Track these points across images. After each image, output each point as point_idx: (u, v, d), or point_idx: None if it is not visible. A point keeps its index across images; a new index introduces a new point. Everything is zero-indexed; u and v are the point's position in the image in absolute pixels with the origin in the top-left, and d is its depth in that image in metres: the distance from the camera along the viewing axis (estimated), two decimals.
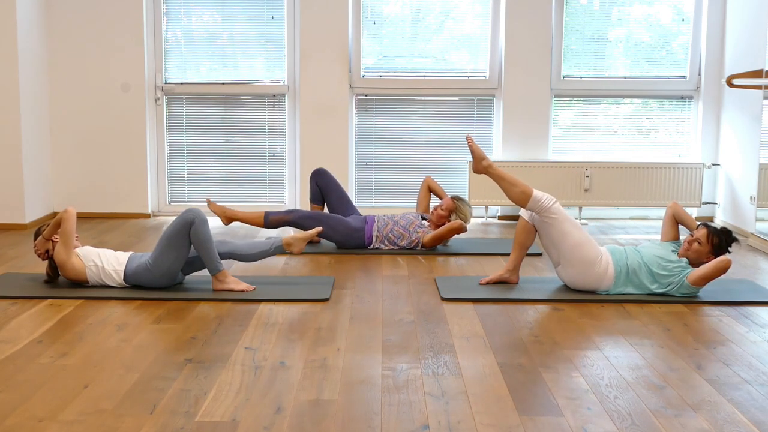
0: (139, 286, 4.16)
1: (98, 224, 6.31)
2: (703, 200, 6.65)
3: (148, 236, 5.83)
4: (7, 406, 2.67)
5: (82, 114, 6.58)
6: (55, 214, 6.49)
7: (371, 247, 5.31)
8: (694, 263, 4.14)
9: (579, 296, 4.12)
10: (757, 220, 5.79)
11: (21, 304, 3.93)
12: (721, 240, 4.10)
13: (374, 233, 5.29)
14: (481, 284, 4.35)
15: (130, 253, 4.26)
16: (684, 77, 6.76)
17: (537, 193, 4.12)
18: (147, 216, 6.69)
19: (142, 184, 6.66)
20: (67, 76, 6.54)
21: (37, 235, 4.20)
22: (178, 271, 4.14)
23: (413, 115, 6.82)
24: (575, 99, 6.85)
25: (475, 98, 6.77)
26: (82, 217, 6.41)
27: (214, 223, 5.25)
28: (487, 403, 2.74)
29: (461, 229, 5.21)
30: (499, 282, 4.37)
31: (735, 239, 4.15)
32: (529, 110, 6.67)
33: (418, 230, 5.28)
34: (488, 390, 2.86)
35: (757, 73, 5.77)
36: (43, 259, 4.23)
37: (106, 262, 4.15)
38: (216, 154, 6.83)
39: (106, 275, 4.14)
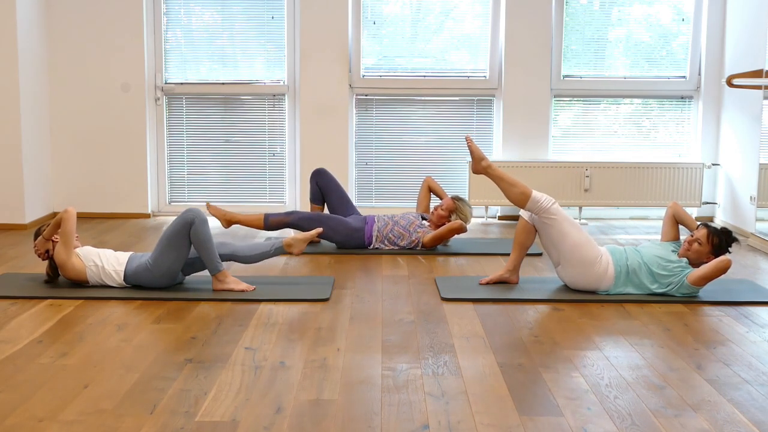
0: (139, 286, 4.16)
1: (98, 224, 6.31)
2: (703, 200, 6.65)
3: (148, 236, 5.83)
4: (7, 406, 2.67)
5: (82, 114, 6.58)
6: (55, 214, 6.49)
7: (371, 247, 5.31)
8: (694, 263, 4.14)
9: (579, 296, 4.12)
10: (757, 220, 5.79)
11: (21, 304, 3.93)
12: (721, 240, 4.10)
13: (374, 233, 5.29)
14: (481, 284, 4.35)
15: (130, 253, 4.26)
16: (684, 77, 6.76)
17: (536, 193, 4.12)
18: (147, 216, 6.69)
19: (142, 184, 6.66)
20: (67, 76, 6.54)
21: (37, 235, 4.20)
22: (178, 271, 4.14)
23: (413, 115, 6.82)
24: (575, 99, 6.85)
25: (475, 98, 6.78)
26: (82, 217, 6.41)
27: (214, 224, 5.26)
28: (487, 403, 2.74)
29: (461, 229, 5.21)
30: (499, 282, 4.37)
31: (735, 239, 4.15)
32: (529, 110, 6.67)
33: (418, 230, 5.28)
34: (488, 390, 2.86)
35: (757, 73, 5.77)
36: (43, 259, 4.23)
37: (106, 262, 4.15)
38: (216, 154, 6.83)
39: (106, 275, 4.14)
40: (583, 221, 6.60)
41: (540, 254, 5.23)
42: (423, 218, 5.44)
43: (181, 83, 6.74)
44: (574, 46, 6.74)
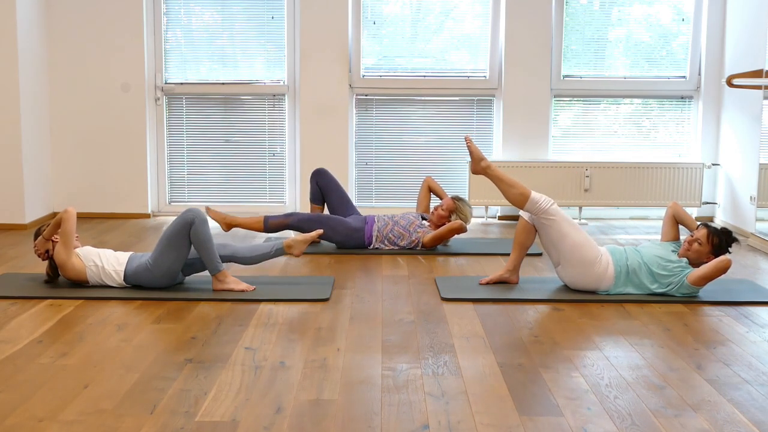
0: (139, 286, 4.16)
1: (98, 224, 6.31)
2: (703, 200, 6.65)
3: (148, 236, 5.83)
4: (7, 406, 2.67)
5: (82, 114, 6.58)
6: (55, 214, 6.49)
7: (371, 247, 5.31)
8: (694, 263, 4.14)
9: (579, 296, 4.12)
10: (757, 220, 5.79)
11: (21, 304, 3.93)
12: (721, 240, 4.10)
13: (374, 233, 5.29)
14: (481, 284, 4.35)
15: (130, 253, 4.26)
16: (684, 77, 6.76)
17: (535, 194, 4.12)
18: (147, 216, 6.69)
19: (142, 184, 6.66)
20: (67, 76, 6.54)
21: (37, 235, 4.20)
22: (178, 271, 4.14)
23: (413, 115, 6.82)
24: (575, 99, 6.85)
25: (475, 98, 6.78)
26: (82, 217, 6.41)
27: (214, 227, 5.25)
28: (487, 403, 2.74)
29: (461, 229, 5.21)
30: (499, 282, 4.37)
31: (735, 239, 4.15)
32: (529, 110, 6.67)
33: (418, 230, 5.28)
34: (488, 390, 2.86)
35: (757, 73, 5.77)
36: (43, 259, 4.23)
37: (106, 262, 4.15)
38: (216, 154, 6.83)
39: (106, 275, 4.14)
40: (583, 221, 6.60)
41: (540, 254, 5.23)
42: (423, 218, 5.44)
43: (181, 83, 6.74)
44: (574, 46, 6.74)
